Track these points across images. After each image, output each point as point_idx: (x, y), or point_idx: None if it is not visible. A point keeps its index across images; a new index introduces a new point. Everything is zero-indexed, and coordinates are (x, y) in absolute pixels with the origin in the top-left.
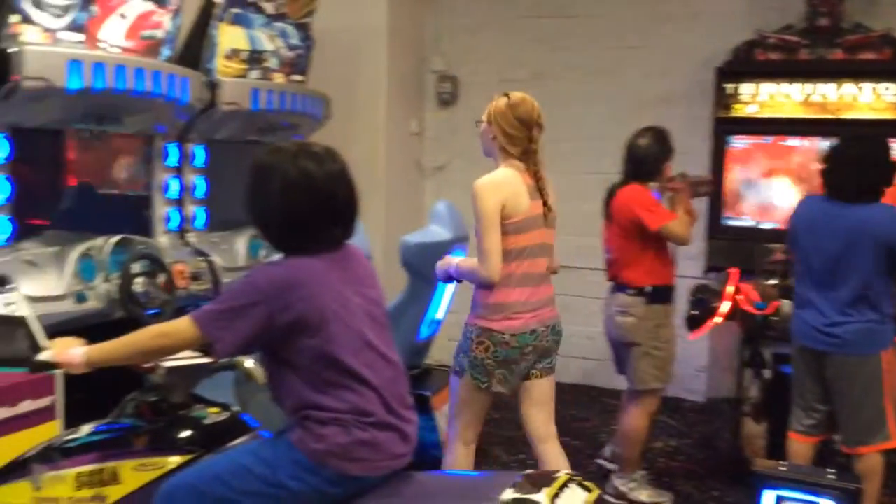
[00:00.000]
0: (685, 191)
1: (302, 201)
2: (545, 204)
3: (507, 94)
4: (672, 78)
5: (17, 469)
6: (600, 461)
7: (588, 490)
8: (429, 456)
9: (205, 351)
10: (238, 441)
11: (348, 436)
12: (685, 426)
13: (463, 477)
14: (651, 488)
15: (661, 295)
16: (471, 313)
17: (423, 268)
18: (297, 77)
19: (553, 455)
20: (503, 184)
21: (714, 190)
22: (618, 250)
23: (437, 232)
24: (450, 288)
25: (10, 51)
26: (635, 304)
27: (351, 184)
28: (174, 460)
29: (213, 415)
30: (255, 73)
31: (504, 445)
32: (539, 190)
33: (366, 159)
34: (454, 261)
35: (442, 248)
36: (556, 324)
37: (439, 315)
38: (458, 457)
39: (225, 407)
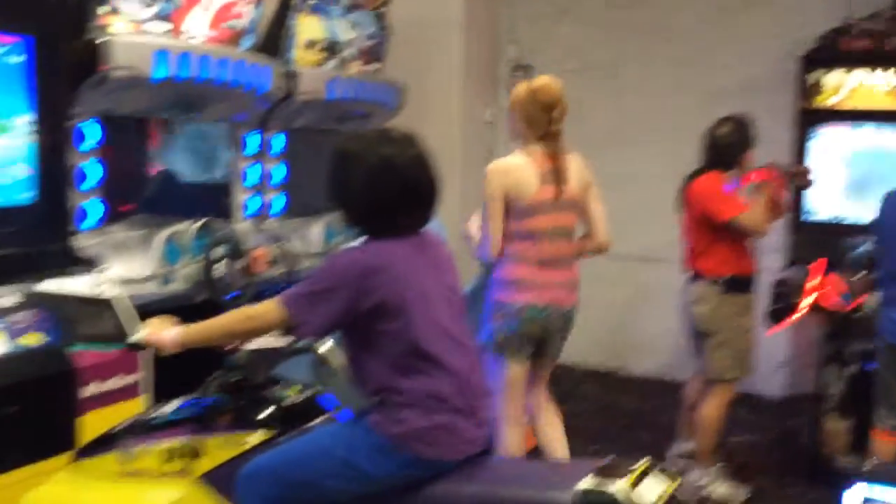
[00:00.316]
0: (777, 181)
1: (385, 186)
2: (559, 188)
3: (530, 80)
4: (754, 67)
5: (108, 442)
6: (673, 456)
7: (670, 479)
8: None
9: (290, 331)
10: (317, 421)
11: (427, 420)
12: (764, 422)
13: (540, 463)
14: (728, 482)
15: (738, 284)
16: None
17: None
18: (373, 66)
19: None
20: (511, 169)
21: (810, 182)
22: (693, 240)
23: None
24: None
25: (98, 41)
26: (710, 293)
27: (431, 168)
28: (255, 437)
29: (292, 395)
30: (332, 63)
31: (578, 437)
32: (556, 174)
33: (440, 148)
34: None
35: None
36: (570, 310)
37: None
38: (508, 437)
39: (305, 387)
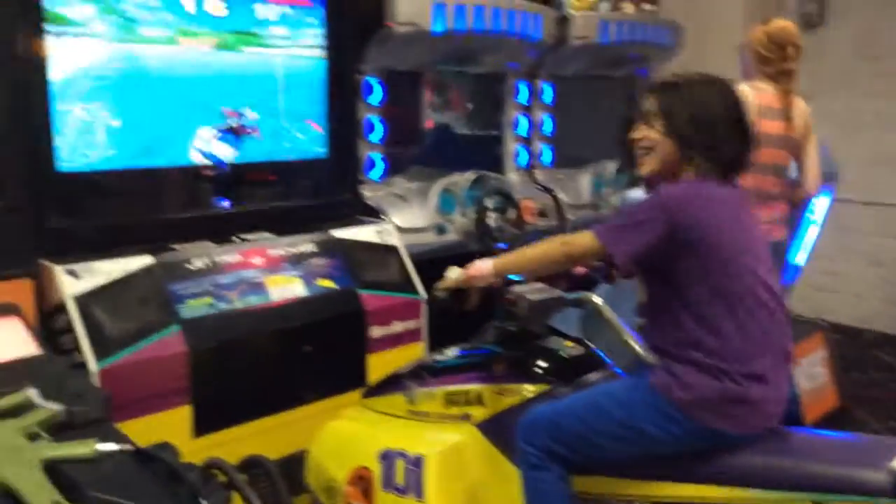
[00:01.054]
0: None
1: (736, 119)
2: (786, 124)
3: (766, 21)
4: None
5: (394, 383)
6: None
7: None
8: (785, 411)
9: (609, 263)
10: (592, 376)
11: (719, 389)
12: None
13: (843, 439)
14: None
15: None
16: None
17: None
18: (648, 6)
19: None
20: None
21: None
22: None
23: None
24: (812, 231)
25: None
26: None
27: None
28: (531, 389)
29: (568, 347)
30: (605, 5)
31: (870, 408)
32: (785, 111)
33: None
34: None
35: None
36: (779, 242)
37: (799, 260)
38: None
39: (579, 341)
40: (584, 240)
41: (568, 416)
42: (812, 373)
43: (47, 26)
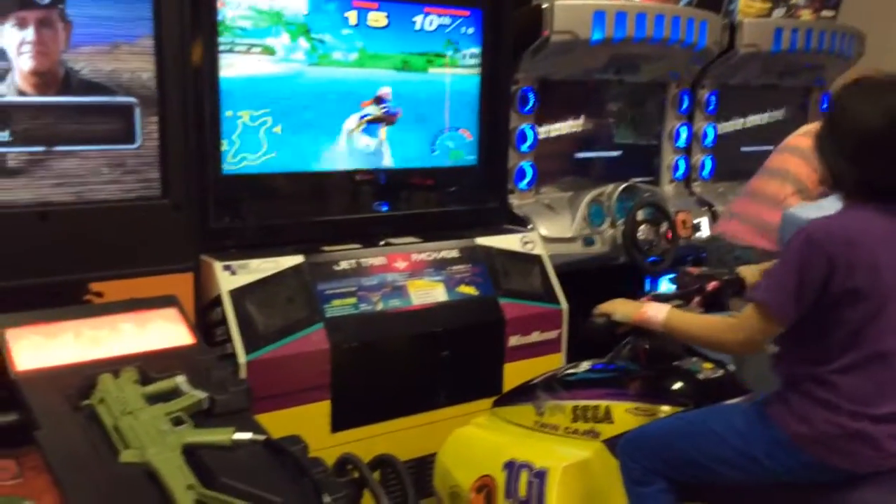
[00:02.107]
0: None
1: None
2: None
3: None
4: None
5: (525, 393)
6: None
7: None
8: None
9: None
10: (731, 402)
11: (837, 426)
12: None
13: None
14: None
15: None
16: None
17: None
18: (828, 13)
19: None
20: None
21: None
22: None
23: None
24: None
25: (542, 6)
26: None
27: None
28: (665, 409)
29: (706, 370)
30: (779, 12)
31: None
32: None
33: None
34: None
35: None
36: None
37: None
38: None
39: (719, 364)
40: (755, 318)
41: (677, 436)
42: None
43: (220, 38)
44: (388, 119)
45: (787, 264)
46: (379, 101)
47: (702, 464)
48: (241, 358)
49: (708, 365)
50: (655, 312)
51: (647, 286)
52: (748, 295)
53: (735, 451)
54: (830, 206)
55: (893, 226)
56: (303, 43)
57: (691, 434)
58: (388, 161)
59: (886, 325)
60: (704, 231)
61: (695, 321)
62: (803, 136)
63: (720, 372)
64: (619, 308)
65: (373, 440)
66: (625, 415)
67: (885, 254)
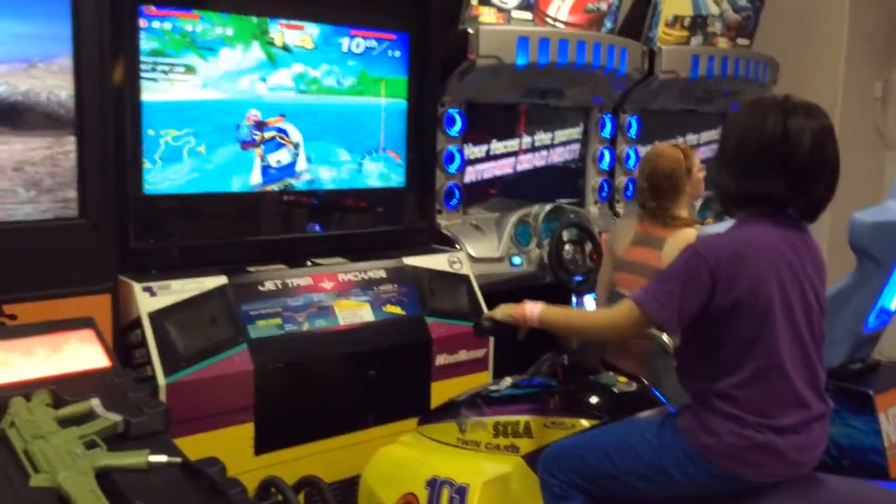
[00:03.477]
0: None
1: (784, 160)
2: None
3: None
4: None
5: (449, 410)
6: None
7: None
8: (867, 461)
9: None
10: (644, 413)
11: (742, 438)
12: None
13: (890, 490)
14: None
15: None
16: None
17: (876, 250)
18: (743, 41)
19: None
20: None
21: None
22: None
23: None
24: None
25: (468, 31)
26: None
27: (835, 149)
28: (582, 423)
29: (621, 384)
30: (696, 40)
31: None
32: None
33: None
34: None
35: None
36: None
37: (894, 305)
38: None
39: (634, 378)
40: (629, 311)
41: (594, 451)
42: None
43: (142, 57)
44: (282, 139)
45: (672, 274)
46: (263, 126)
47: (618, 478)
48: (161, 380)
49: (622, 379)
50: (531, 309)
51: (573, 305)
52: (632, 294)
53: (648, 465)
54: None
55: (784, 240)
56: (224, 62)
57: (607, 449)
58: (315, 182)
59: (776, 338)
60: None
61: (569, 313)
62: None
63: (634, 385)
64: (502, 310)
65: (298, 462)
66: (543, 429)
67: (772, 268)
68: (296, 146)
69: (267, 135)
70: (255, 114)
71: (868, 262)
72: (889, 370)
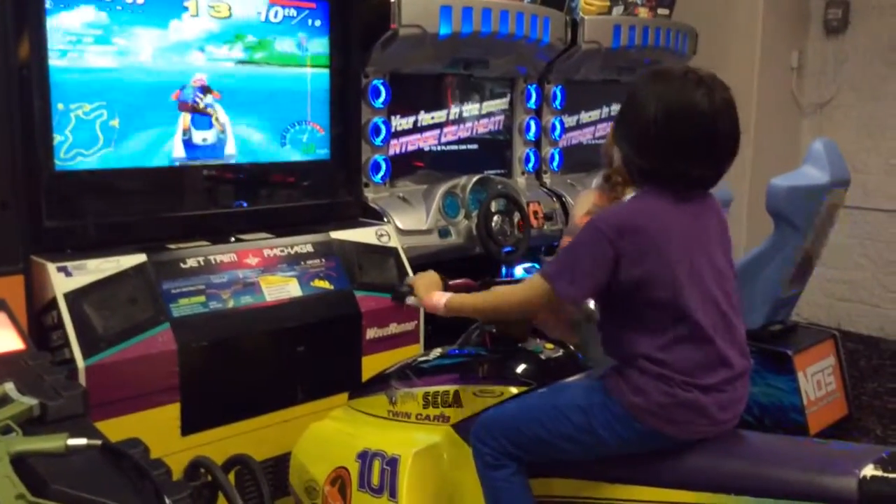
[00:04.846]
0: None
1: (683, 130)
2: None
3: None
4: None
5: (379, 383)
6: None
7: None
8: (787, 419)
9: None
10: (570, 379)
11: (669, 396)
12: None
13: (814, 444)
14: None
15: None
16: None
17: (791, 213)
18: (663, 11)
19: None
20: None
21: None
22: None
23: (812, 174)
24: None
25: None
26: None
27: (736, 120)
28: (510, 391)
29: (548, 350)
30: (617, 9)
31: (880, 418)
32: None
33: (735, 96)
34: None
35: (816, 193)
36: None
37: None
38: None
39: (561, 344)
40: (538, 286)
41: (524, 417)
42: (819, 381)
43: (49, 28)
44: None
45: (575, 249)
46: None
47: (548, 442)
48: (80, 363)
49: (549, 346)
50: (437, 300)
51: (503, 275)
52: (542, 269)
53: (577, 427)
54: None
55: (687, 208)
56: (139, 32)
57: (538, 414)
58: (236, 156)
59: (690, 304)
60: (556, 221)
61: (476, 297)
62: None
63: (561, 352)
64: (419, 290)
65: (227, 441)
66: (472, 398)
67: (675, 237)
68: (223, 129)
69: (201, 105)
70: (201, 77)
71: (785, 226)
72: (807, 331)
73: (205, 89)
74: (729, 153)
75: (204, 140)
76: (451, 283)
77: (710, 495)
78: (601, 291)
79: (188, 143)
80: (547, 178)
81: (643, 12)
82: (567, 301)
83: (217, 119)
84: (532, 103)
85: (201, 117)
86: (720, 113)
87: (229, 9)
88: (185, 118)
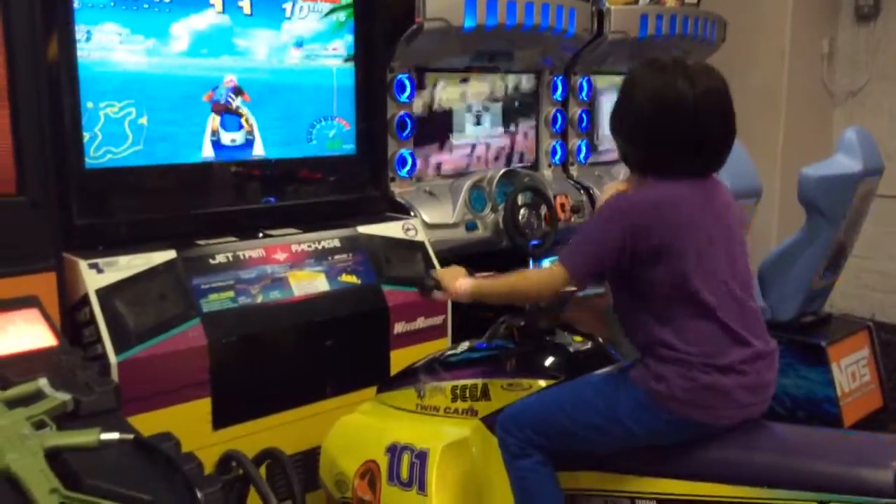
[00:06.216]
0: None
1: (667, 122)
2: None
3: None
4: None
5: (407, 377)
6: None
7: None
8: (821, 411)
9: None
10: (600, 371)
11: (689, 380)
12: None
13: (849, 436)
14: None
15: None
16: None
17: (824, 203)
18: (690, 0)
19: None
20: None
21: None
22: None
23: (844, 163)
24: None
25: None
26: None
27: (726, 109)
28: (539, 383)
29: (577, 343)
30: None
31: None
32: None
33: (765, 85)
34: None
35: (848, 182)
36: None
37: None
38: None
39: (589, 336)
40: (553, 273)
41: (551, 408)
42: (854, 372)
43: (78, 27)
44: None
45: (589, 232)
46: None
47: (574, 432)
48: (112, 358)
49: (578, 338)
50: (461, 285)
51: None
52: (559, 253)
53: (604, 417)
54: None
55: (699, 192)
56: (167, 30)
57: (563, 404)
58: (262, 152)
59: (703, 281)
60: (583, 213)
61: (495, 283)
62: None
63: (590, 344)
64: (445, 282)
65: (258, 435)
66: (501, 391)
67: (695, 214)
68: (251, 130)
69: (233, 106)
70: (232, 78)
71: (817, 216)
72: (840, 322)
73: (236, 90)
74: (719, 145)
75: (233, 141)
76: (477, 275)
77: (742, 488)
78: (616, 270)
79: (216, 144)
80: (574, 171)
81: (670, 1)
82: (579, 278)
83: (246, 120)
84: (558, 95)
85: (231, 118)
86: (702, 102)
87: (250, 5)
88: (214, 119)
